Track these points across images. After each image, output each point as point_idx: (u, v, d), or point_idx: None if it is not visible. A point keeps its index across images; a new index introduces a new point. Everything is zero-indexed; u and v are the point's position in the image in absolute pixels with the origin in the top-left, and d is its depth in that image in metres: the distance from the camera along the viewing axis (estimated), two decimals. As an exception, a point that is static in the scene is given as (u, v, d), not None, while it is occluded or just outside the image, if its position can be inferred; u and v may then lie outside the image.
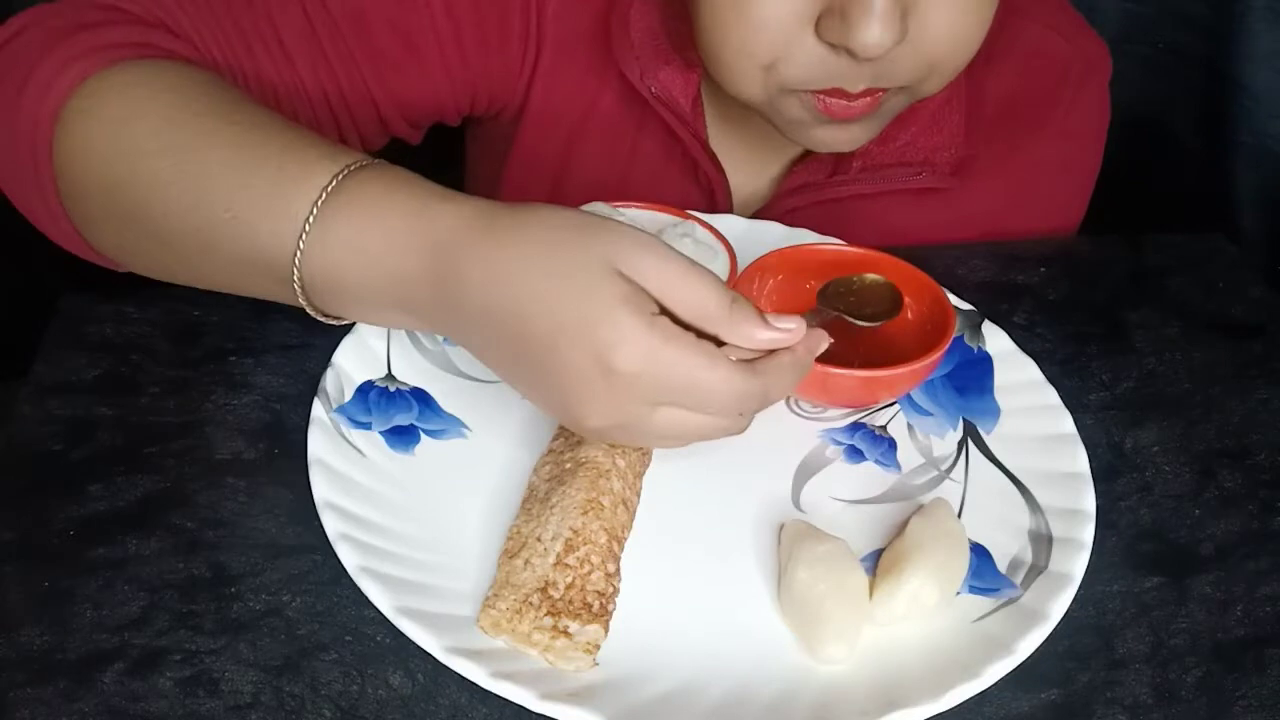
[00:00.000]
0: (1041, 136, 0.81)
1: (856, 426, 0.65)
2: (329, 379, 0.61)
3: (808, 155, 0.78)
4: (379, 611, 0.51)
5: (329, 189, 0.53)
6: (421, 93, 0.72)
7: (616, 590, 0.54)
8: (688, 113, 0.74)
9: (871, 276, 0.64)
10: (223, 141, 0.56)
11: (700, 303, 0.49)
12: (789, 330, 0.51)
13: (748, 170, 0.79)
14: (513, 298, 0.49)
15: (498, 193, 0.81)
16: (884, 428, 0.65)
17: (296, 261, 0.53)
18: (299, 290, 0.54)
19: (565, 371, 0.49)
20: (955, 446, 0.64)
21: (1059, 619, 0.53)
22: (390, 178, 0.53)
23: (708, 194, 0.78)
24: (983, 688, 0.51)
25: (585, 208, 0.63)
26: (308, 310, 0.56)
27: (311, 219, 0.53)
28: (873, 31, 0.58)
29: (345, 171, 0.53)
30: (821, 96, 0.64)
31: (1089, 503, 0.59)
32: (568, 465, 0.57)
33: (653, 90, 0.73)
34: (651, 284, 0.49)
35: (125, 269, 0.63)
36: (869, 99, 0.65)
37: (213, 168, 0.55)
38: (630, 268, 0.49)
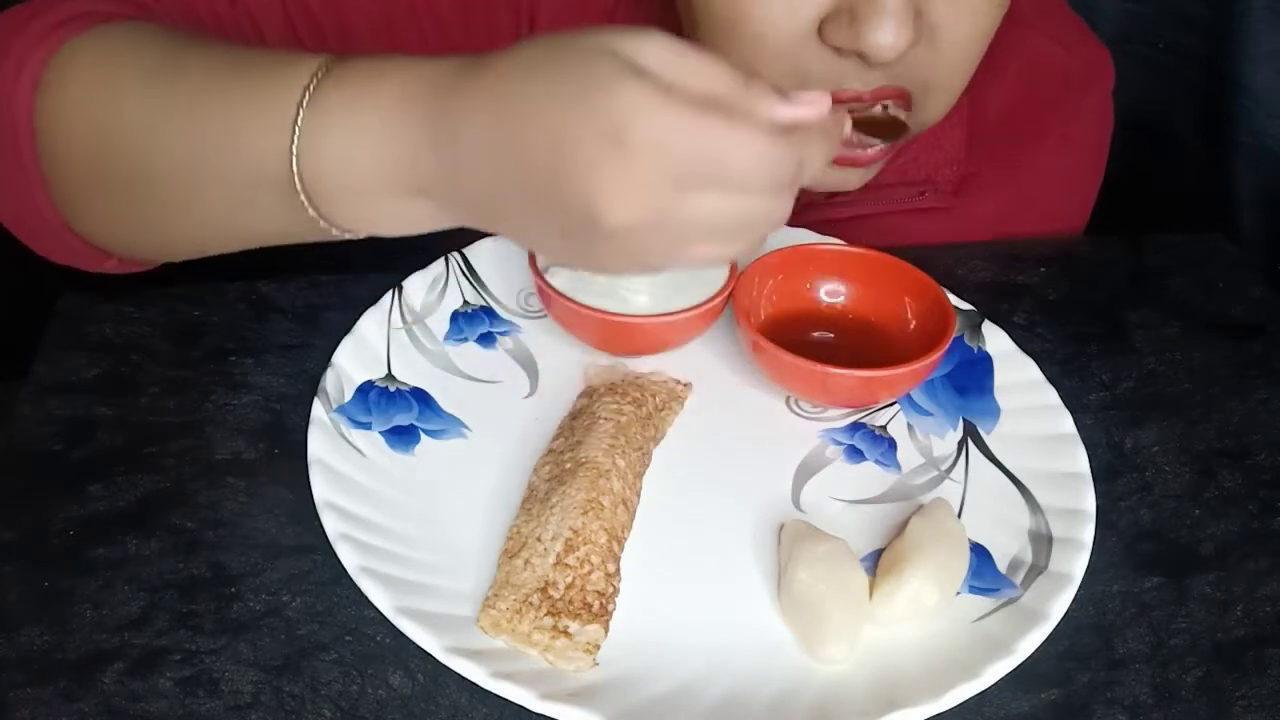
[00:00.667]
0: (1044, 148, 0.81)
1: (856, 426, 0.65)
2: (329, 379, 0.61)
3: None
4: (379, 611, 0.51)
5: (318, 76, 0.50)
6: None
7: (616, 590, 0.54)
8: None
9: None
10: (201, 66, 0.54)
11: (711, 81, 0.44)
12: (811, 104, 0.46)
13: None
14: (513, 115, 0.45)
15: None
16: (884, 428, 0.65)
17: (294, 154, 0.50)
18: (300, 189, 0.50)
19: (577, 168, 0.44)
20: (955, 446, 0.64)
21: (1059, 619, 0.53)
22: (377, 59, 0.50)
23: None
24: (983, 688, 0.51)
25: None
26: (315, 219, 0.52)
27: (304, 106, 0.50)
28: (886, 31, 0.56)
29: (328, 65, 0.51)
30: None
31: (1089, 503, 0.59)
32: (568, 465, 0.57)
33: None
34: (655, 65, 0.44)
35: (112, 252, 0.61)
36: (877, 153, 0.64)
37: (198, 91, 0.53)
38: (631, 52, 0.44)
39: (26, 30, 0.57)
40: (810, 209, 0.77)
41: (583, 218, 0.45)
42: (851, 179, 0.67)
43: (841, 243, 0.70)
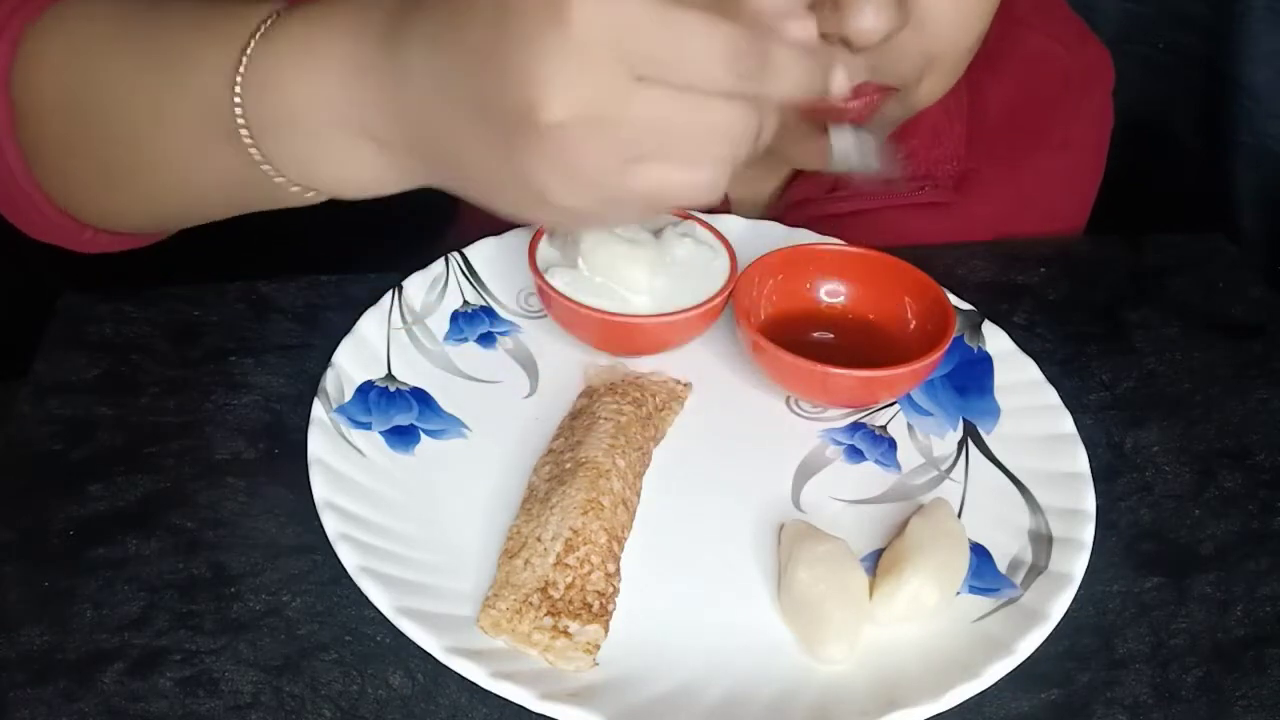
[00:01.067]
0: (1043, 148, 0.81)
1: (856, 426, 0.65)
2: (329, 379, 0.61)
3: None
4: (379, 611, 0.51)
5: (272, 17, 0.50)
6: None
7: (616, 590, 0.54)
8: None
9: None
10: (169, 23, 0.54)
11: None
12: (798, 29, 0.42)
13: (747, 185, 0.79)
14: (460, 18, 0.42)
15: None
16: (884, 428, 0.65)
17: (238, 87, 0.48)
18: (244, 124, 0.49)
19: (515, 48, 0.39)
20: (955, 446, 0.64)
21: (1059, 619, 0.53)
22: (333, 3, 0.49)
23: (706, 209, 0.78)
24: (983, 688, 0.51)
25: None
26: (260, 163, 0.50)
27: (255, 38, 0.49)
28: (866, 16, 0.56)
29: (283, 9, 0.50)
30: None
31: (1089, 503, 0.59)
32: (568, 465, 0.57)
33: None
34: None
35: (90, 223, 0.62)
36: (863, 101, 0.64)
37: (161, 45, 0.53)
38: None
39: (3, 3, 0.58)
40: (809, 204, 0.77)
41: (520, 116, 0.41)
42: (831, 160, 0.64)
43: (841, 243, 0.70)
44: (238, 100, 0.49)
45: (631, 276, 0.63)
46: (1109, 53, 0.83)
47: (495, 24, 0.41)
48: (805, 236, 0.73)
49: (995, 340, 0.68)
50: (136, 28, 0.55)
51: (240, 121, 0.49)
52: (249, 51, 0.49)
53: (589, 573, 0.53)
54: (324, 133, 0.49)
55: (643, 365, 0.66)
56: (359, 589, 0.52)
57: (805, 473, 0.62)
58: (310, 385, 0.62)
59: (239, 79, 0.49)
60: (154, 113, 0.53)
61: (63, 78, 0.56)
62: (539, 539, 0.54)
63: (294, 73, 0.48)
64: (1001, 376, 0.67)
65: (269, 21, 0.49)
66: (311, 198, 0.53)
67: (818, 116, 0.63)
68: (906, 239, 0.77)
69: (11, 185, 0.60)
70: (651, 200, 0.45)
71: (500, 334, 0.68)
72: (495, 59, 0.41)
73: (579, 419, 0.61)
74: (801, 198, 0.77)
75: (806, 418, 0.65)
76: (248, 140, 0.50)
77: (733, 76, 0.41)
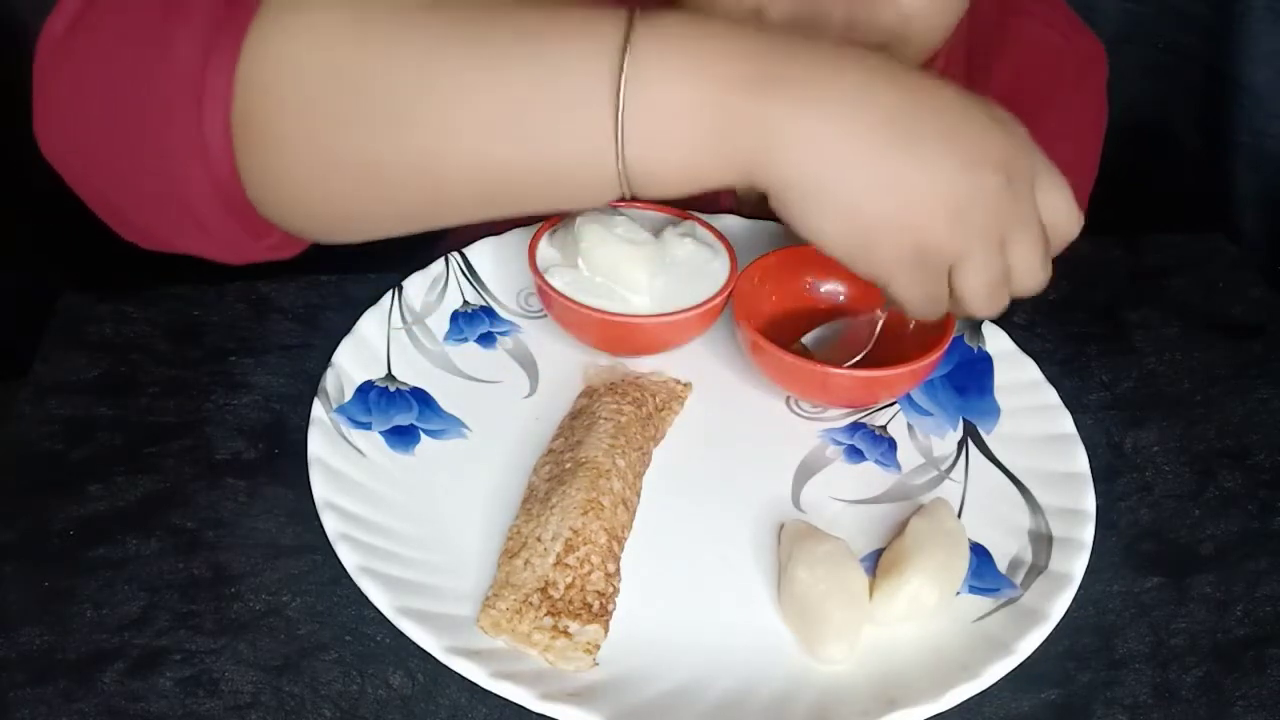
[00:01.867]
0: (1039, 136, 0.81)
1: (856, 426, 0.65)
2: (329, 379, 0.61)
3: None
4: (379, 611, 0.51)
5: (627, 44, 0.48)
6: None
7: (616, 590, 0.54)
8: None
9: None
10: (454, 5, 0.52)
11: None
12: None
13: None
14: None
15: None
16: (884, 428, 0.65)
17: (620, 139, 0.48)
18: (622, 174, 0.49)
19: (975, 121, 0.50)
20: (955, 446, 0.64)
21: (1059, 619, 0.53)
22: (685, 23, 0.50)
23: (710, 198, 0.78)
24: (983, 688, 0.51)
25: (586, 207, 0.62)
26: (616, 136, 0.49)
27: (623, 83, 0.48)
28: None
29: (629, 29, 0.49)
30: None
31: (1089, 503, 0.59)
32: (568, 465, 0.57)
33: None
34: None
35: (298, 220, 0.56)
36: None
37: (472, 38, 0.50)
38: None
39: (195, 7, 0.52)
40: None
41: (975, 147, 0.50)
42: None
43: (841, 243, 0.70)
44: (620, 154, 0.49)
45: (631, 276, 0.63)
46: (1103, 45, 0.83)
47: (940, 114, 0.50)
48: (805, 236, 0.73)
49: (995, 340, 0.68)
50: (419, 13, 0.52)
51: (620, 172, 0.49)
52: (621, 102, 0.48)
53: (589, 573, 0.53)
54: (691, 124, 0.49)
55: (643, 365, 0.66)
56: (359, 589, 0.52)
57: (805, 473, 0.62)
58: (310, 385, 0.62)
59: (619, 136, 0.49)
60: (458, 93, 0.50)
61: (330, 55, 0.52)
62: (539, 539, 0.54)
63: (671, 134, 0.49)
64: (1001, 376, 0.67)
65: (626, 59, 0.48)
66: (607, 189, 0.52)
67: None
68: None
69: (179, 209, 0.55)
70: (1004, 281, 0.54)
71: (500, 334, 0.68)
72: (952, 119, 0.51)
73: (579, 419, 0.61)
74: None
75: (806, 418, 0.65)
76: (623, 180, 0.50)
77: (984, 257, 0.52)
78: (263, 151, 0.53)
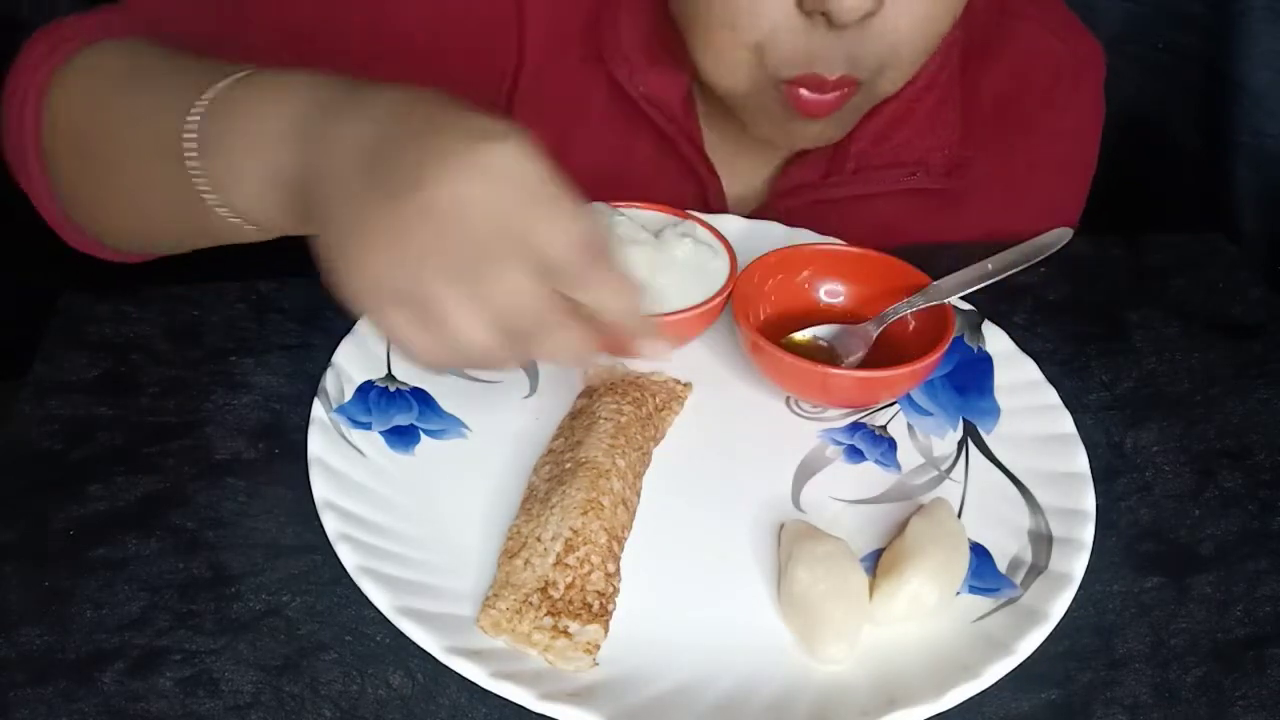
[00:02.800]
0: (1036, 137, 0.81)
1: (856, 426, 0.65)
2: (329, 379, 0.61)
3: (801, 155, 0.78)
4: (379, 611, 0.51)
5: (240, 73, 0.56)
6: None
7: (616, 590, 0.54)
8: (679, 114, 0.74)
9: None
10: (162, 70, 0.62)
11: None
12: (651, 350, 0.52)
13: (741, 172, 0.79)
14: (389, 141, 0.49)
15: None
16: (884, 428, 0.65)
17: (199, 105, 0.55)
18: (191, 139, 0.55)
19: (432, 147, 0.47)
20: (955, 446, 0.64)
21: (1059, 619, 0.53)
22: (293, 74, 0.55)
23: (701, 195, 0.78)
24: (983, 688, 0.51)
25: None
26: (196, 184, 0.56)
27: (217, 88, 0.56)
28: None
29: (253, 70, 0.56)
30: (797, 90, 0.65)
31: (1089, 503, 0.59)
32: (568, 465, 0.57)
33: (641, 90, 0.73)
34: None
35: (95, 234, 0.67)
36: (839, 94, 0.65)
37: (147, 89, 0.61)
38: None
39: (40, 48, 0.66)
40: (803, 189, 0.77)
41: (408, 177, 0.46)
42: (811, 132, 0.70)
43: (841, 242, 0.70)
44: (195, 118, 0.55)
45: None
46: (1100, 45, 0.83)
47: (429, 134, 0.48)
48: (805, 236, 0.73)
49: (995, 340, 0.68)
50: (135, 77, 0.62)
51: (190, 137, 0.55)
52: (218, 86, 0.56)
53: (589, 573, 0.53)
54: (248, 164, 0.54)
55: (643, 365, 0.66)
56: (359, 589, 0.52)
57: (805, 473, 0.62)
58: (310, 385, 0.62)
59: (202, 102, 0.56)
60: (125, 145, 0.61)
61: (73, 116, 0.64)
62: (539, 539, 0.54)
63: (247, 105, 0.55)
64: (1001, 376, 0.67)
65: (242, 73, 0.56)
66: (252, 233, 0.58)
67: (799, 105, 0.66)
68: (902, 225, 0.77)
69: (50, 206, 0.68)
70: (401, 310, 0.48)
71: (500, 334, 0.68)
72: (410, 142, 0.47)
73: (579, 419, 0.61)
74: (795, 183, 0.77)
75: (806, 418, 0.65)
76: (191, 154, 0.55)
77: (525, 276, 0.47)
78: (51, 167, 0.65)
